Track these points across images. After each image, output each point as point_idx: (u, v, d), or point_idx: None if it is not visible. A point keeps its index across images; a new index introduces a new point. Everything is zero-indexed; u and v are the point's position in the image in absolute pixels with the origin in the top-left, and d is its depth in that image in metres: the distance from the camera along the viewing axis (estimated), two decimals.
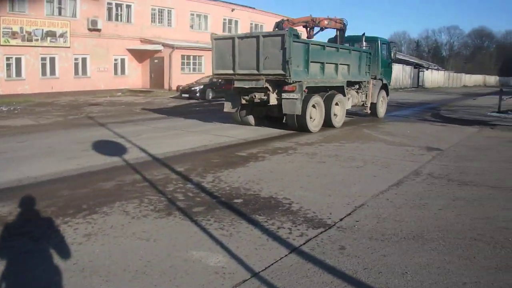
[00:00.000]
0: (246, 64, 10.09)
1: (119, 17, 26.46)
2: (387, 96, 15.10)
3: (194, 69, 28.81)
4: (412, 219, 4.63)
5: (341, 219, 4.61)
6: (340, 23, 13.06)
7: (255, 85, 10.06)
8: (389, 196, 5.49)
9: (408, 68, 46.86)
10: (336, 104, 11.57)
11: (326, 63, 10.88)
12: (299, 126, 10.47)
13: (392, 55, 14.78)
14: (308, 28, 12.55)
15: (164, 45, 27.00)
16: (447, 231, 4.29)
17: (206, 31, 32.11)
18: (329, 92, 11.46)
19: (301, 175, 6.51)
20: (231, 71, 10.36)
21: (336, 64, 11.35)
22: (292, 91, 9.96)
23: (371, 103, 13.88)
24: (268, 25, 37.78)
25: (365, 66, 12.87)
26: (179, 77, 27.24)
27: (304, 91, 10.14)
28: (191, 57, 28.56)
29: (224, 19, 33.72)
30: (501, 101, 17.40)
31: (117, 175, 6.31)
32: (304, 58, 10.06)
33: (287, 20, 12.33)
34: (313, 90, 10.71)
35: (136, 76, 27.86)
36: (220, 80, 17.74)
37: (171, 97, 24.46)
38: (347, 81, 11.99)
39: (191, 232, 4.20)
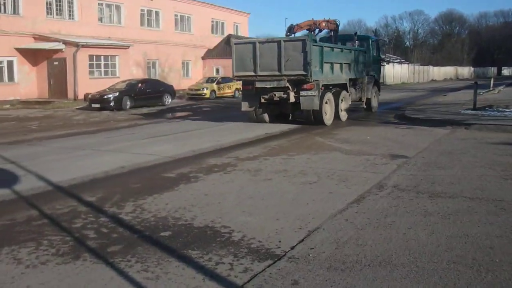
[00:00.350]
0: (268, 66, 13.65)
1: (3, 7, 25.43)
2: (379, 91, 19.61)
3: (106, 73, 28.25)
4: (377, 242, 4.76)
5: (292, 247, 4.65)
6: (334, 24, 17.25)
7: (276, 84, 13.72)
8: (348, 216, 5.62)
9: None
10: (341, 100, 15.55)
11: (334, 63, 14.71)
12: (315, 120, 14.30)
13: (381, 52, 19.40)
14: (311, 30, 16.29)
15: (65, 42, 26.27)
16: (420, 254, 4.43)
17: (120, 25, 31.72)
18: (333, 90, 15.07)
19: (243, 197, 6.54)
20: (252, 73, 13.91)
21: (341, 64, 15.24)
22: (311, 89, 13.65)
23: (366, 98, 18.01)
24: (196, 17, 37.97)
25: (361, 64, 16.97)
26: (88, 83, 26.58)
27: (321, 88, 13.97)
28: (102, 57, 27.99)
29: (142, 10, 33.49)
30: (477, 96, 18.56)
31: (5, 212, 6.00)
32: (319, 59, 13.76)
33: (297, 25, 16.14)
34: (323, 88, 14.47)
35: (30, 83, 26.83)
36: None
37: (77, 109, 23.79)
38: (349, 79, 15.95)
39: (106, 278, 4.06)
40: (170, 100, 26.21)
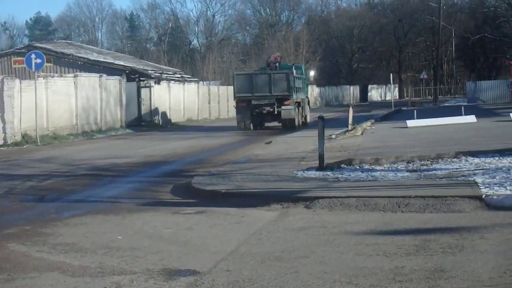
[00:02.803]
0: (261, 89, 46.29)
1: None
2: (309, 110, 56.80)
3: None
4: None
5: None
6: (280, 57, 54.15)
7: (268, 101, 46.15)
8: None
9: (112, 83, 49.48)
10: (300, 113, 50.63)
11: (297, 87, 49.02)
12: (290, 125, 45.86)
13: (308, 77, 61.58)
14: (274, 63, 49.95)
15: None
16: None
17: None
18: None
19: None
20: (250, 94, 46.22)
21: (299, 87, 50.00)
22: (289, 105, 45.82)
23: (305, 115, 51.82)
24: None
25: (304, 88, 53.17)
26: None
27: (295, 104, 47.21)
28: None
29: None
30: (324, 144, 19.47)
31: None
32: (293, 85, 47.15)
33: (271, 61, 50.25)
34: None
35: None
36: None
37: None
38: (301, 98, 50.86)
39: None
40: None
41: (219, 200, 15.64)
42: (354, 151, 23.72)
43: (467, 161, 19.61)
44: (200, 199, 16.10)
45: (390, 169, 18.93)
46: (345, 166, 19.26)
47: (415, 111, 46.45)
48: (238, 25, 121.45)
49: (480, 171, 17.34)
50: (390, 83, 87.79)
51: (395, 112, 59.31)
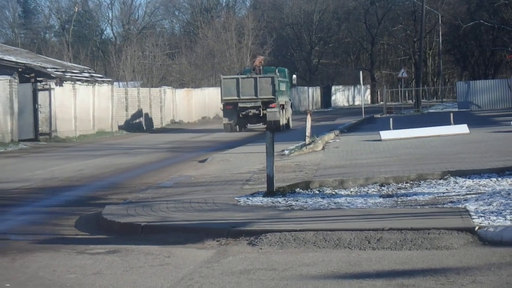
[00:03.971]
0: (247, 92, 67.15)
1: None
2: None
3: None
4: None
5: None
6: (263, 60, 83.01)
7: (254, 104, 66.92)
8: None
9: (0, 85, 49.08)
10: (283, 115, 71.59)
11: (281, 90, 70.78)
12: (275, 126, 62.77)
13: (292, 80, 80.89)
14: (258, 67, 71.33)
15: None
16: None
17: None
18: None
19: None
20: (236, 97, 66.71)
21: (283, 90, 71.85)
22: (274, 107, 66.22)
23: (288, 118, 72.59)
24: None
25: (287, 90, 76.34)
26: None
27: (280, 106, 67.73)
28: None
29: None
30: (273, 162, 19.49)
31: None
32: (278, 88, 68.37)
33: (256, 65, 71.07)
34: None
35: None
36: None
37: None
38: (285, 101, 72.11)
39: None
40: None
41: (138, 235, 15.62)
42: (313, 171, 23.83)
43: (456, 183, 19.92)
44: (113, 234, 16.05)
45: (359, 194, 19.14)
46: (300, 190, 19.34)
47: (391, 119, 45.79)
48: (164, 10, 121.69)
49: (473, 196, 17.50)
50: (360, 84, 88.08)
51: (366, 121, 60.15)
